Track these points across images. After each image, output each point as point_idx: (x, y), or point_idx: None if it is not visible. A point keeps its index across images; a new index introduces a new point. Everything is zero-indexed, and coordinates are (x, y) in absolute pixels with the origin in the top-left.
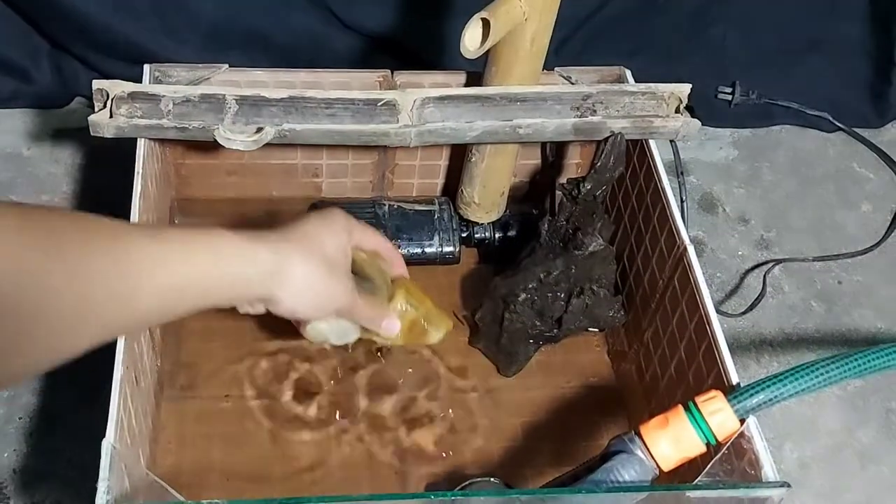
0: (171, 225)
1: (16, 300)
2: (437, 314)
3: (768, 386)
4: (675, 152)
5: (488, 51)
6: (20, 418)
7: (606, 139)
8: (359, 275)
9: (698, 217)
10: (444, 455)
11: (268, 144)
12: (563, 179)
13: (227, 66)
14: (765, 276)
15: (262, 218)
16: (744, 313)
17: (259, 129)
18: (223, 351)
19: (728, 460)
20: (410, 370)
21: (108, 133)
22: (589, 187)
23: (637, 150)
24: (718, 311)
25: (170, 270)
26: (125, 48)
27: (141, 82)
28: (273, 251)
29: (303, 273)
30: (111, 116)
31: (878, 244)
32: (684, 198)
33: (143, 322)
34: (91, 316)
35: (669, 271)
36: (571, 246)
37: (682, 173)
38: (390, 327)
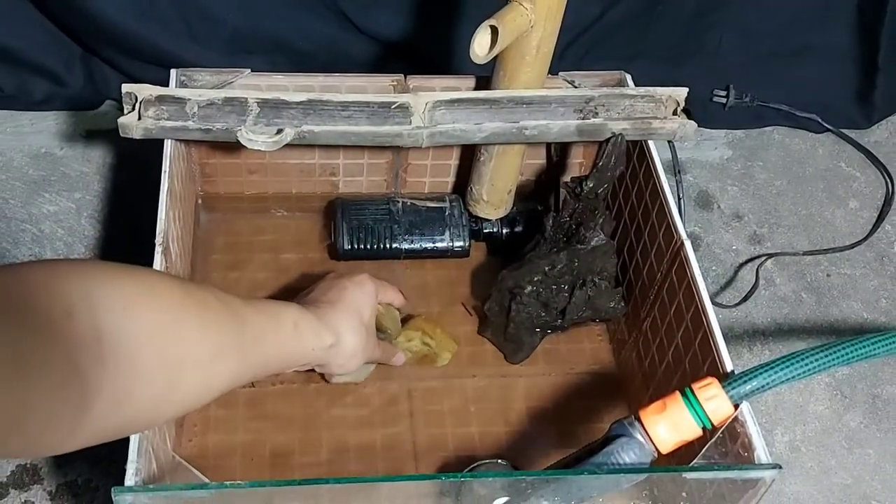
0: (255, 299)
1: (183, 358)
2: (445, 341)
3: (761, 373)
4: (673, 152)
5: (496, 56)
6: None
7: (608, 140)
8: (377, 325)
9: (695, 213)
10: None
11: (287, 145)
12: (566, 178)
13: (249, 70)
14: (757, 270)
15: (283, 219)
16: (737, 304)
17: (279, 131)
18: None
19: (723, 443)
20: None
21: (137, 134)
22: (591, 185)
23: (637, 151)
24: (713, 303)
25: (268, 343)
26: (152, 53)
27: (168, 86)
28: (332, 329)
29: (352, 344)
30: (139, 118)
31: (864, 239)
32: (681, 195)
33: (239, 384)
34: (218, 378)
35: (667, 265)
36: (574, 241)
37: (679, 172)
38: (398, 361)
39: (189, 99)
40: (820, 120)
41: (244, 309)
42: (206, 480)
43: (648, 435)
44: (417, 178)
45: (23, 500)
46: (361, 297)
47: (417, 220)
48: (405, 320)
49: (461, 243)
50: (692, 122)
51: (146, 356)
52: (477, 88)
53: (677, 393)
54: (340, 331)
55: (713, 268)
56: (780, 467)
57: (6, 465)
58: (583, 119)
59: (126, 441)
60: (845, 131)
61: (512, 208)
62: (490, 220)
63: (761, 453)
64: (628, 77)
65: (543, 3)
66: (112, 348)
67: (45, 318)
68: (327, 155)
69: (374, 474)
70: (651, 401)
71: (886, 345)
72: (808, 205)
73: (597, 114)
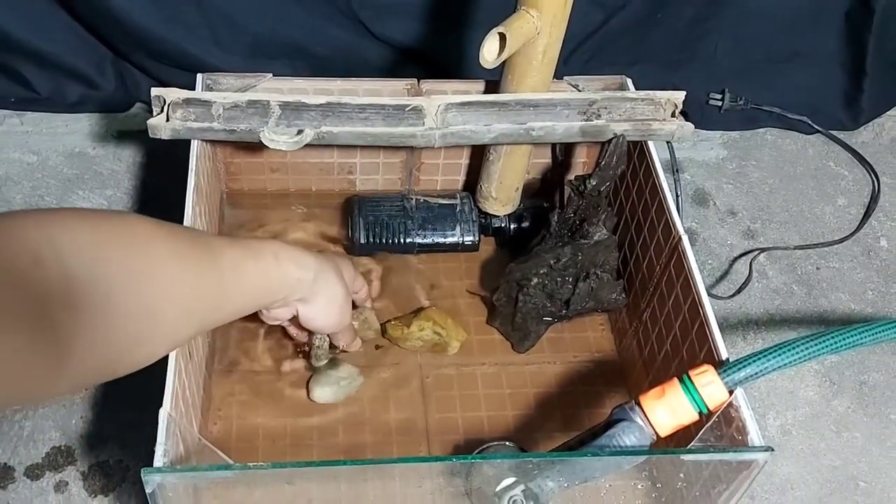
0: (236, 237)
1: (159, 292)
2: (455, 331)
3: (754, 361)
4: (671, 152)
5: (504, 62)
6: (86, 390)
7: (610, 140)
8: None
9: (692, 210)
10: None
11: (307, 145)
12: (570, 176)
13: (270, 75)
14: (751, 263)
15: (303, 214)
16: (732, 296)
17: (300, 132)
18: (267, 330)
19: (718, 427)
20: (433, 348)
21: (165, 135)
22: (594, 183)
23: (637, 151)
24: (709, 294)
25: (247, 273)
26: (180, 58)
27: (194, 90)
28: (316, 262)
29: (333, 288)
30: (168, 120)
31: (852, 234)
32: (679, 193)
33: (224, 319)
34: (198, 311)
35: (666, 258)
36: (578, 235)
37: (677, 171)
38: (355, 346)
39: (214, 102)
40: (810, 122)
41: (219, 242)
42: (230, 462)
43: (648, 419)
44: (430, 177)
45: (57, 480)
46: (344, 265)
47: (430, 216)
48: (417, 312)
49: (471, 238)
50: (689, 123)
51: (120, 298)
52: (486, 92)
53: (675, 379)
54: (324, 270)
55: (709, 261)
56: (773, 450)
57: (41, 446)
58: (586, 121)
59: (155, 425)
60: (834, 132)
61: (519, 205)
62: (498, 216)
63: (754, 436)
64: (629, 81)
65: (549, 11)
66: (84, 293)
67: (12, 268)
68: (345, 154)
69: (389, 456)
70: (650, 387)
71: (872, 334)
72: (799, 202)
73: (599, 116)
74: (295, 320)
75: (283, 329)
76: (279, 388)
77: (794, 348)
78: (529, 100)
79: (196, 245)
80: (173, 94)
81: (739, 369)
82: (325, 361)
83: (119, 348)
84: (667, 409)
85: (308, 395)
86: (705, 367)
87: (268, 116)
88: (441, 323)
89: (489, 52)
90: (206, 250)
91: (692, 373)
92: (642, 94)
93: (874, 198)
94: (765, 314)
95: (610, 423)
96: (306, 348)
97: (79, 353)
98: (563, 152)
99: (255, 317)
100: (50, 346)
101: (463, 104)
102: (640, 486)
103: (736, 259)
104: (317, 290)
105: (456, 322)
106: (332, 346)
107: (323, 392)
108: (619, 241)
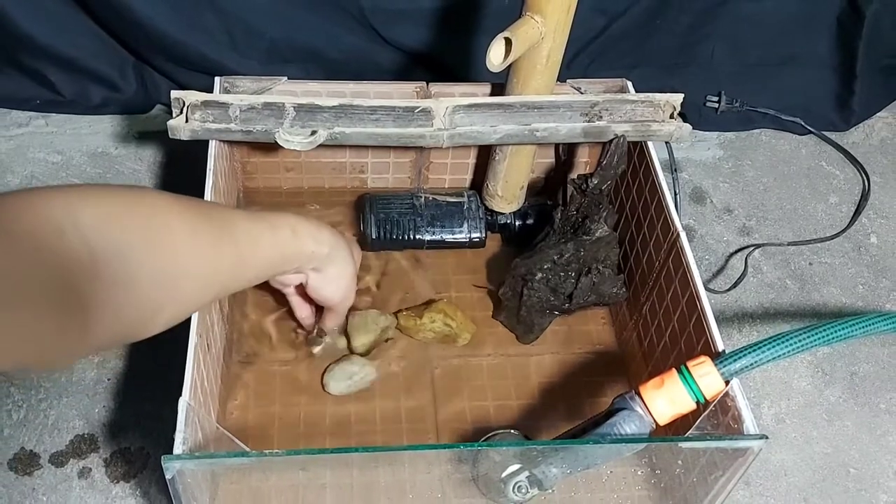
0: (254, 209)
1: (175, 263)
2: (465, 323)
3: (749, 352)
4: (670, 152)
5: (510, 65)
6: (108, 379)
7: (611, 141)
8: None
9: (689, 207)
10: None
11: (321, 145)
12: (573, 175)
13: (285, 78)
14: (746, 259)
15: (316, 212)
16: (728, 290)
17: (313, 132)
18: (281, 322)
19: (714, 416)
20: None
21: (184, 136)
22: (596, 182)
23: (637, 151)
24: (706, 289)
25: (264, 244)
26: (198, 62)
27: (212, 92)
28: (332, 237)
29: (344, 263)
30: (187, 121)
31: (843, 231)
32: (677, 191)
33: (242, 286)
34: (215, 281)
35: (664, 254)
36: (581, 232)
37: (675, 170)
38: (331, 323)
39: (232, 104)
40: (803, 123)
41: (236, 215)
42: (247, 449)
43: (647, 408)
44: (438, 176)
45: (81, 467)
46: (352, 243)
47: (438, 214)
48: (428, 304)
49: (478, 234)
50: (687, 124)
51: (139, 268)
52: (492, 94)
53: (674, 370)
54: (339, 246)
55: (706, 257)
56: (767, 438)
57: (65, 434)
58: (588, 122)
59: (175, 414)
60: (826, 133)
61: (524, 203)
62: (504, 214)
63: (749, 425)
64: (629, 84)
65: (553, 17)
66: (104, 264)
67: (37, 240)
68: (357, 154)
69: (399, 443)
70: (650, 377)
71: (863, 327)
72: (792, 200)
73: (601, 117)
74: (300, 289)
75: (292, 314)
76: (294, 379)
77: (787, 340)
78: (534, 102)
79: (212, 218)
80: (192, 96)
81: (735, 360)
82: (319, 348)
83: (138, 315)
84: (666, 399)
85: (323, 387)
86: (702, 358)
87: (283, 118)
88: (452, 315)
89: (495, 57)
90: (223, 223)
91: (690, 364)
92: (642, 96)
93: (864, 196)
94: (759, 307)
95: (611, 413)
96: (306, 333)
97: (99, 320)
98: (566, 152)
99: (268, 310)
100: (72, 313)
101: (470, 106)
102: (639, 473)
103: (732, 255)
104: (329, 263)
105: (465, 315)
106: (321, 333)
107: (337, 385)
108: (619, 237)
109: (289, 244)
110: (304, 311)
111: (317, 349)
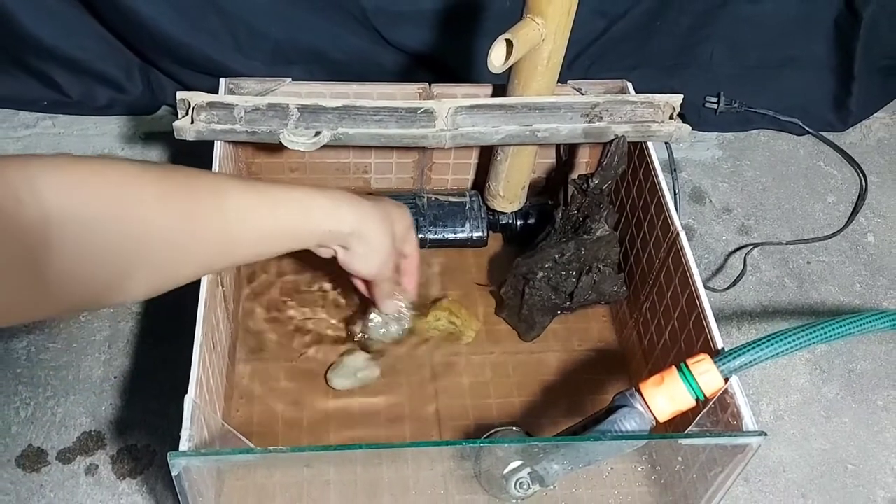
0: (262, 180)
1: (143, 232)
2: (469, 321)
3: (748, 350)
4: (670, 152)
5: (511, 67)
6: (115, 377)
7: (611, 141)
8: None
9: (689, 207)
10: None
11: (325, 146)
12: (574, 175)
13: (290, 79)
14: (745, 257)
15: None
16: (727, 289)
17: (317, 133)
18: (286, 322)
19: (714, 413)
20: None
21: (190, 136)
22: (596, 182)
23: (637, 151)
24: (706, 287)
25: (260, 219)
26: (203, 64)
27: (217, 93)
28: (357, 214)
29: (378, 238)
30: (192, 122)
31: (840, 230)
32: (677, 191)
33: (239, 260)
34: (196, 252)
35: (664, 253)
36: (581, 231)
37: (675, 170)
38: (388, 308)
39: (237, 105)
40: (801, 123)
41: (228, 186)
42: (252, 446)
43: (648, 405)
44: (441, 176)
45: (88, 464)
46: (397, 212)
47: (441, 213)
48: (433, 303)
49: (480, 234)
50: (687, 125)
51: (103, 235)
52: (494, 95)
53: (673, 368)
54: (367, 221)
55: (705, 256)
56: (766, 434)
57: (73, 431)
58: (589, 123)
59: (181, 411)
60: (824, 134)
61: (525, 202)
62: (506, 213)
63: (748, 422)
64: (629, 85)
65: (554, 19)
66: (59, 231)
67: None
68: (360, 154)
69: (402, 440)
70: (650, 375)
71: (860, 325)
72: (791, 199)
73: (601, 118)
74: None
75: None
76: (298, 376)
77: (786, 338)
78: (535, 103)
79: (193, 188)
80: (197, 97)
81: (734, 358)
82: (375, 338)
83: (102, 282)
84: (665, 396)
85: (326, 383)
86: (702, 356)
87: (287, 119)
88: (456, 313)
89: (497, 58)
90: (210, 193)
91: (689, 361)
92: (642, 97)
93: (862, 195)
94: (758, 306)
95: (611, 410)
96: (358, 333)
97: (60, 286)
98: (566, 152)
99: (275, 308)
100: (29, 278)
101: (472, 107)
102: (640, 469)
103: (731, 254)
104: (355, 240)
105: (469, 313)
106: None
107: (341, 382)
108: (620, 236)
109: (295, 220)
110: (356, 283)
111: (364, 335)
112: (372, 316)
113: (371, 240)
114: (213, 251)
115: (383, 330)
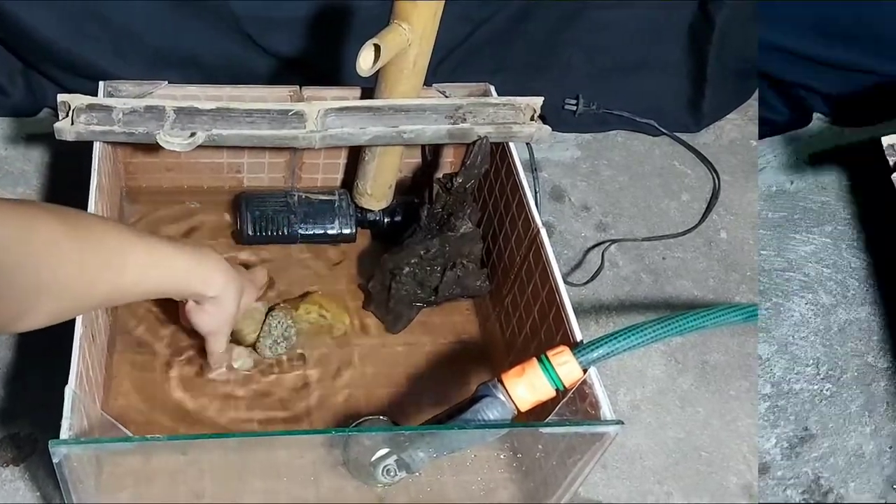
0: (151, 234)
1: (51, 275)
2: (339, 314)
3: (606, 342)
4: (531, 153)
5: (379, 70)
6: None
7: (475, 142)
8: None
9: (549, 205)
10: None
11: (200, 146)
12: (439, 175)
13: (166, 82)
14: (603, 253)
15: (195, 209)
16: (586, 283)
17: (192, 134)
18: (165, 314)
19: (573, 403)
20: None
21: (70, 137)
22: (460, 181)
23: (499, 151)
24: (565, 282)
25: (149, 281)
26: (83, 68)
27: (96, 96)
28: (223, 283)
29: (230, 307)
30: (72, 124)
31: (694, 227)
32: (538, 189)
33: (121, 301)
34: (87, 298)
35: (525, 249)
36: (446, 228)
37: (535, 170)
38: (216, 362)
39: (115, 107)
40: (656, 125)
41: (133, 247)
42: (130, 434)
43: (509, 395)
44: (311, 175)
45: None
46: (248, 284)
47: (311, 211)
48: (304, 296)
49: (349, 230)
50: (547, 126)
51: (5, 278)
52: (362, 98)
53: (534, 359)
54: (226, 289)
55: (565, 252)
56: (623, 423)
57: None
58: (453, 124)
59: (62, 401)
60: (678, 134)
61: (392, 200)
62: (373, 211)
63: (606, 411)
64: (492, 88)
65: (419, 24)
66: None
67: None
68: (234, 155)
69: (275, 429)
70: (512, 366)
71: (714, 318)
72: (647, 198)
73: (465, 120)
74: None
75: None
76: (177, 367)
77: (642, 331)
78: (401, 105)
79: (102, 244)
80: (77, 100)
81: (592, 350)
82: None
83: (4, 317)
84: (527, 386)
85: (203, 374)
86: (561, 347)
87: (163, 120)
88: (326, 307)
89: (365, 62)
90: (114, 254)
91: (550, 353)
92: (504, 99)
93: (715, 194)
94: (616, 300)
95: (475, 399)
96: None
97: None
98: (432, 153)
99: (154, 302)
100: None
101: (341, 109)
102: (502, 457)
103: (589, 250)
104: (209, 302)
105: (339, 306)
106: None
107: (217, 373)
108: (483, 233)
109: (178, 285)
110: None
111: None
112: (261, 339)
113: (224, 306)
114: (101, 300)
115: (272, 350)
